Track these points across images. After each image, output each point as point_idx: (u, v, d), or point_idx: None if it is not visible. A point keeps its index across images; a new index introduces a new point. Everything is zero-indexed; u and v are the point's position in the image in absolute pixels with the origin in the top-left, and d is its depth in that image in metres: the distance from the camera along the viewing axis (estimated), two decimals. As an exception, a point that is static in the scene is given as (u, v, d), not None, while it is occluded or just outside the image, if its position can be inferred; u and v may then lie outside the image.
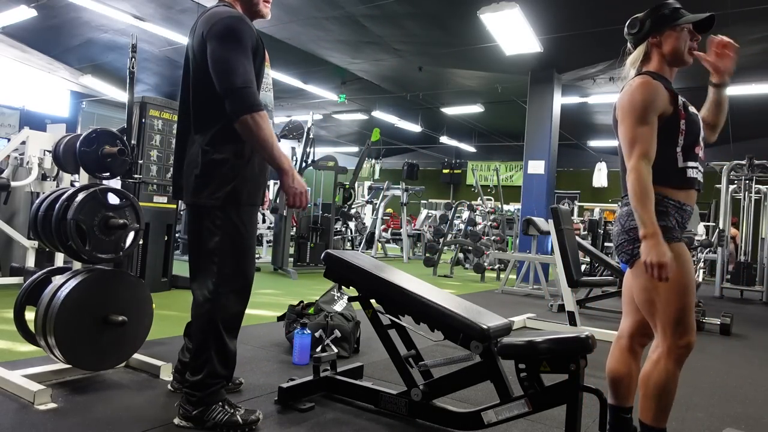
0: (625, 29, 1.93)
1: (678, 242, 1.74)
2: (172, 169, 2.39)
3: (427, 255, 9.27)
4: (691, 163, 1.76)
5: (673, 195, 1.76)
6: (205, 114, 2.02)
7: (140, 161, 4.81)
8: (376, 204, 12.05)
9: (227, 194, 1.99)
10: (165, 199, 5.08)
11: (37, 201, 2.52)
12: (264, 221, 9.51)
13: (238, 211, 2.03)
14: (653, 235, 1.63)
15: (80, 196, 2.31)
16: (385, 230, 13.24)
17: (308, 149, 7.62)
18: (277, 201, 7.64)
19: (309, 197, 2.03)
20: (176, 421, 2.04)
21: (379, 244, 11.68)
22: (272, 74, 2.26)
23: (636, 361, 1.96)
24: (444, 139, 15.72)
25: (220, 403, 2.03)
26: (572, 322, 4.19)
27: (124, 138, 2.55)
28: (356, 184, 10.84)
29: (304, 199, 2.01)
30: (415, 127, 14.37)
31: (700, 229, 12.00)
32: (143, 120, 4.85)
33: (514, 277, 7.96)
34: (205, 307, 2.01)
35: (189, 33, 2.11)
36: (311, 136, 7.69)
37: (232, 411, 2.03)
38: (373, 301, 2.30)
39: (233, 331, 2.08)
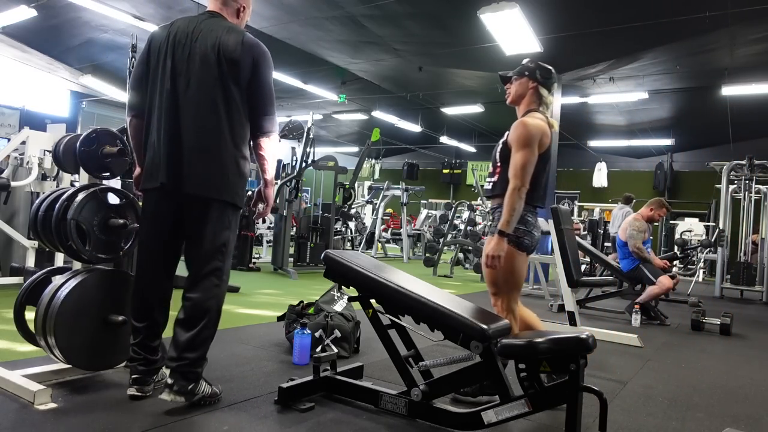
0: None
1: None
2: (161, 150, 2.19)
3: (427, 255, 9.27)
4: None
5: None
6: (242, 124, 2.26)
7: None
8: (376, 204, 12.04)
9: (242, 197, 2.30)
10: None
11: (37, 201, 2.51)
12: (264, 221, 9.50)
13: (239, 211, 2.34)
14: None
15: (80, 196, 2.31)
16: (385, 230, 13.24)
17: (308, 149, 7.61)
18: (277, 201, 7.64)
19: None
20: (170, 397, 2.10)
21: (379, 244, 11.67)
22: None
23: None
24: (444, 139, 15.72)
25: (203, 378, 2.25)
26: (572, 322, 4.18)
27: (124, 138, 2.55)
28: (356, 184, 10.84)
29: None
30: (415, 127, 14.37)
31: (700, 228, 12.00)
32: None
33: (514, 277, 7.94)
34: (216, 291, 2.24)
35: (189, 32, 2.38)
36: (311, 136, 7.69)
37: (209, 383, 2.27)
38: (373, 301, 2.30)
39: None
